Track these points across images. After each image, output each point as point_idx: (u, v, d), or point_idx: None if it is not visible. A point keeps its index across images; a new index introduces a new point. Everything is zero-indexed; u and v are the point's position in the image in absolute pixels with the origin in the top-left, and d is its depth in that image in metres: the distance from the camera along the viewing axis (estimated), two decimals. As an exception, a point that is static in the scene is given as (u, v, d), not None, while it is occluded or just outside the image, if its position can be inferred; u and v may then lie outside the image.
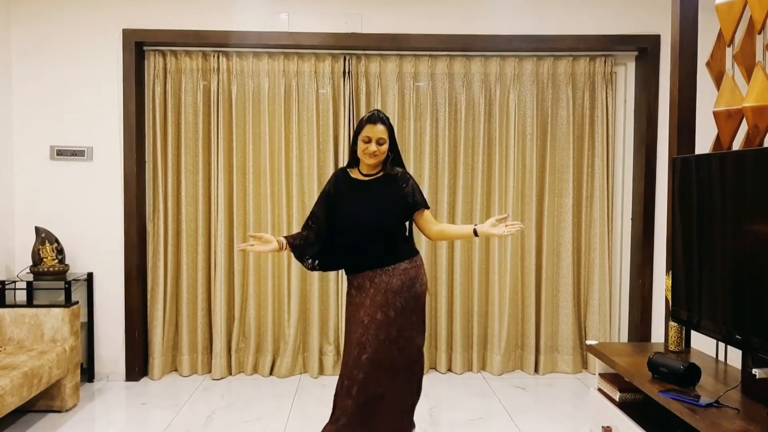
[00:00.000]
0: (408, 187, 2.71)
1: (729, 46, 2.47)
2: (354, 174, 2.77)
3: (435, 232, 2.75)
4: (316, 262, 2.77)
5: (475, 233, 2.62)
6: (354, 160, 2.78)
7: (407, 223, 2.79)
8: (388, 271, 2.64)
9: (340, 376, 2.66)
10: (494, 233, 2.57)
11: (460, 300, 4.22)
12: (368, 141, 2.63)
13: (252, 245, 2.68)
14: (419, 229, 2.79)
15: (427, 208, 2.77)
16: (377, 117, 2.65)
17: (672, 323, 2.63)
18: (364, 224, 2.66)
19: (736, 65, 2.43)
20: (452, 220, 4.23)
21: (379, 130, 2.62)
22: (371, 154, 2.63)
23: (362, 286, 2.67)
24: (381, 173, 2.73)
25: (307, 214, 2.88)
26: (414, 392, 2.75)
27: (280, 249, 2.69)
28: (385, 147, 2.65)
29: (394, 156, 2.73)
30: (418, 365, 2.74)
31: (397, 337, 2.62)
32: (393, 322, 2.61)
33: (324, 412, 2.94)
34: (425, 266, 4.18)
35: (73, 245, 3.99)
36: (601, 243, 4.22)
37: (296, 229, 4.12)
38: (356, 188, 2.73)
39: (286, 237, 2.77)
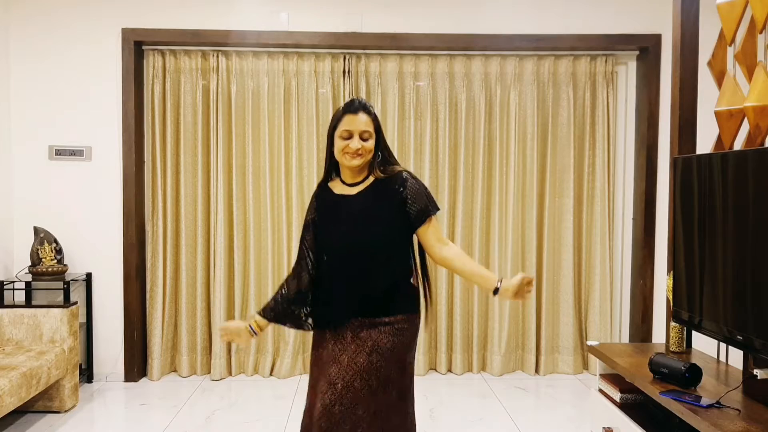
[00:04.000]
0: (406, 191, 2.04)
1: (730, 45, 2.46)
2: (336, 187, 2.13)
3: (441, 257, 2.06)
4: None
5: (495, 291, 1.96)
6: (332, 168, 2.16)
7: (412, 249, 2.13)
8: (379, 324, 2.00)
9: None
10: (515, 298, 1.96)
11: (460, 300, 4.21)
12: (348, 137, 2.02)
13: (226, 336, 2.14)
14: (422, 244, 2.11)
15: (430, 215, 2.06)
16: (358, 105, 2.04)
17: (673, 324, 2.62)
18: (350, 255, 2.03)
19: (737, 65, 2.42)
20: (452, 220, 4.21)
21: (362, 121, 2.02)
22: (353, 154, 2.02)
23: (339, 338, 2.03)
24: (370, 179, 2.09)
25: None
26: None
27: (252, 335, 2.10)
28: (371, 143, 2.04)
29: (383, 156, 2.11)
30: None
31: (373, 416, 1.98)
32: (374, 393, 1.98)
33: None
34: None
35: (72, 245, 3.98)
36: (602, 243, 4.21)
37: (296, 230, 4.11)
38: (339, 206, 2.09)
39: (260, 311, 2.12)
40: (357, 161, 2.04)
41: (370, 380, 1.97)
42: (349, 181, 2.11)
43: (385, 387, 1.99)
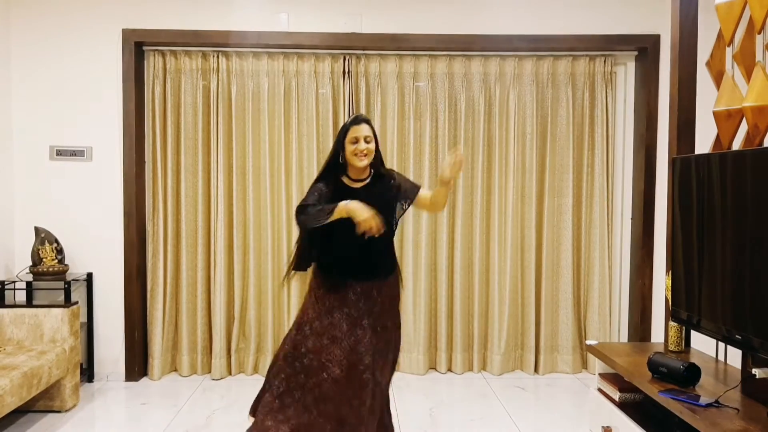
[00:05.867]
0: (397, 181, 2.70)
1: (729, 45, 2.47)
2: (346, 182, 2.66)
3: (430, 204, 2.69)
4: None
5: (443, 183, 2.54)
6: (337, 168, 2.64)
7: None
8: (387, 283, 2.66)
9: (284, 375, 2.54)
10: (451, 173, 2.48)
11: (460, 300, 4.22)
12: (356, 141, 2.55)
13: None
14: (423, 208, 2.81)
15: (419, 186, 2.77)
16: (360, 118, 2.61)
17: (672, 323, 2.63)
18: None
19: (735, 65, 2.43)
20: (452, 220, 4.23)
21: (365, 129, 2.57)
22: (362, 154, 2.56)
23: (364, 296, 2.60)
24: (371, 175, 2.67)
25: None
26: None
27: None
28: (373, 145, 2.59)
29: (380, 157, 2.69)
30: (387, 412, 2.74)
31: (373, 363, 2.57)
32: (385, 344, 2.66)
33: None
34: (425, 268, 4.24)
35: (72, 245, 3.98)
36: (601, 243, 4.22)
37: (296, 230, 4.11)
38: (350, 195, 2.55)
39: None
40: (365, 161, 2.58)
41: (383, 331, 2.66)
42: (354, 177, 2.65)
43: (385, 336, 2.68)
